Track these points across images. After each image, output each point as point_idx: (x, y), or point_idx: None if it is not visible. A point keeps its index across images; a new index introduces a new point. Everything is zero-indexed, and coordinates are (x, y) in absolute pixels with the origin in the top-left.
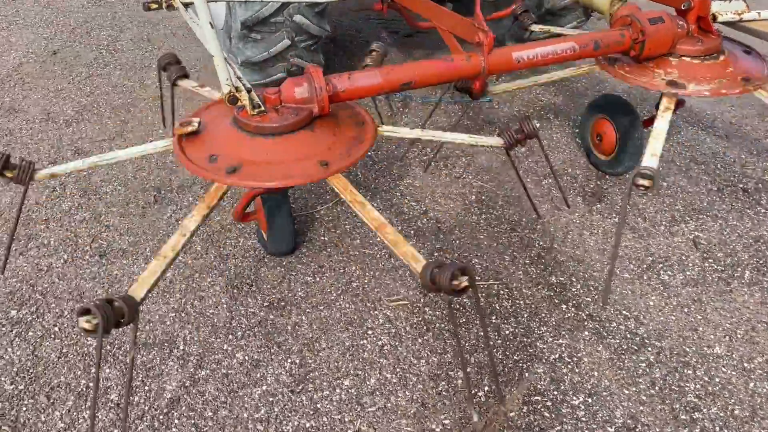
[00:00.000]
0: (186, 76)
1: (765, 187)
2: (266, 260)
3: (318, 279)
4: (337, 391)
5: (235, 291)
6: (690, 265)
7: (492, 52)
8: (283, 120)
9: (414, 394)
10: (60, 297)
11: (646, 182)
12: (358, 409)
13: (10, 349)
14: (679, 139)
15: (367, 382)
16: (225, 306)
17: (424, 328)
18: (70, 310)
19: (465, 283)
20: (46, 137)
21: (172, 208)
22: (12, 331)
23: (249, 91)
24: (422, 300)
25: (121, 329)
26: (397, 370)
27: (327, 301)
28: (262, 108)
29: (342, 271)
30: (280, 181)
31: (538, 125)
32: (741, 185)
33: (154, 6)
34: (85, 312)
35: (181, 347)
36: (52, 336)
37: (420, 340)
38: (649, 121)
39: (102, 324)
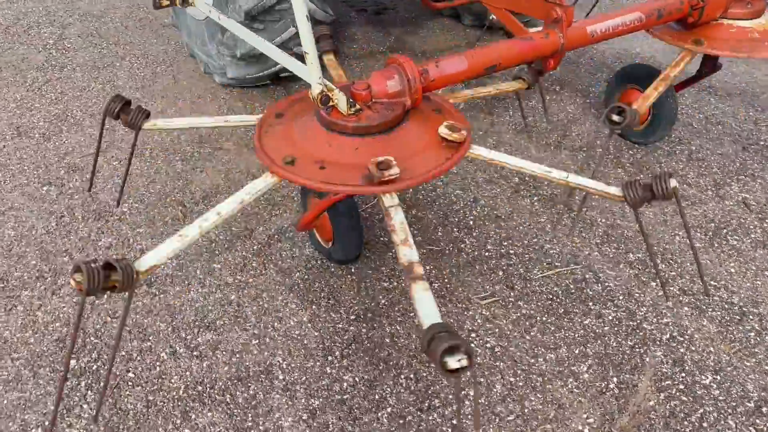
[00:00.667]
0: (148, 115)
1: None
2: (332, 269)
3: (395, 284)
4: (467, 403)
5: (314, 307)
6: (751, 227)
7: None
8: (382, 117)
9: (546, 396)
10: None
11: (617, 117)
12: (497, 420)
13: (86, 405)
14: (685, 101)
15: (494, 389)
16: (309, 325)
17: (527, 323)
18: (138, 351)
19: (456, 365)
20: (26, 155)
21: None
22: (81, 383)
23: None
24: (512, 294)
25: None
26: (518, 372)
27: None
28: (359, 107)
29: None
30: (393, 186)
31: (675, 185)
32: (763, 143)
33: (166, 3)
34: (78, 270)
35: (281, 376)
36: (129, 384)
37: (528, 337)
38: (681, 85)
39: (86, 285)
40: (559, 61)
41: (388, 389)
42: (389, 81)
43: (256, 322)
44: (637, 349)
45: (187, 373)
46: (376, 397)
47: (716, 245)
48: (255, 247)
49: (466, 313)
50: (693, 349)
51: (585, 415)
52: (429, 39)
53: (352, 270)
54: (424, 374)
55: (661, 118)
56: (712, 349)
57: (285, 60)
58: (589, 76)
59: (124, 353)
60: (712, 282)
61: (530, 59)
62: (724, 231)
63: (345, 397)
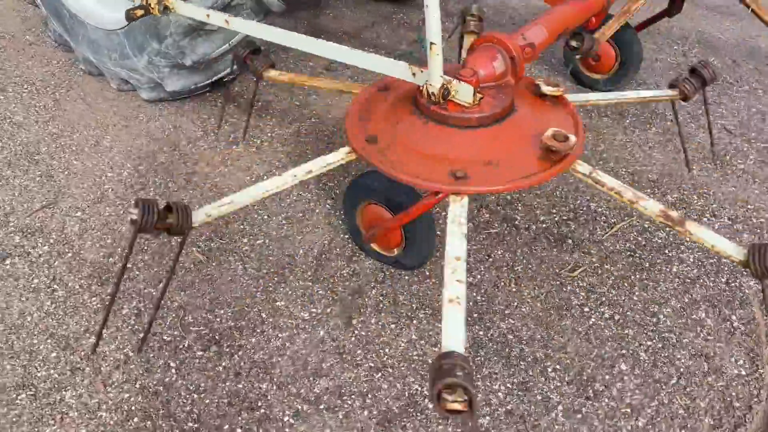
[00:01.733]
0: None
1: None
2: (406, 277)
3: (479, 277)
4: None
5: (414, 322)
6: (744, 148)
7: None
8: (499, 104)
9: (689, 350)
10: (188, 415)
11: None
12: (674, 379)
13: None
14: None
15: (640, 357)
16: (422, 342)
17: (626, 285)
18: (256, 423)
19: (455, 406)
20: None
21: (234, 257)
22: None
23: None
24: (593, 260)
25: None
26: (649, 335)
27: (522, 299)
28: (480, 95)
29: (490, 259)
30: (521, 182)
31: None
32: None
33: (140, 13)
34: (136, 205)
35: (430, 404)
36: None
37: (635, 298)
38: (642, 25)
39: (139, 221)
40: (601, 19)
41: (545, 390)
42: (495, 62)
43: (364, 353)
44: (732, 283)
45: (327, 430)
46: (534, 406)
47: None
48: (308, 273)
49: (564, 289)
50: None
51: (733, 359)
52: (342, 20)
53: (427, 272)
54: (598, 375)
55: (629, 62)
56: None
57: (371, 60)
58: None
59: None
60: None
61: (587, 17)
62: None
63: (500, 411)
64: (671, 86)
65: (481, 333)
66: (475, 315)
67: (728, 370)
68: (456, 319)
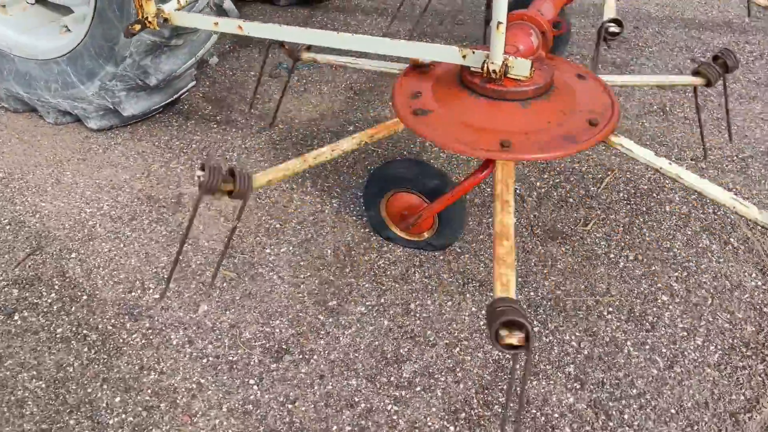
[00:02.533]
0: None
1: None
2: (442, 257)
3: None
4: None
5: (477, 296)
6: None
7: None
8: (547, 76)
9: (719, 276)
10: (289, 426)
11: (616, 28)
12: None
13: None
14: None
15: (699, 293)
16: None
17: (635, 230)
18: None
19: (514, 341)
20: None
21: (265, 268)
22: None
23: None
24: (598, 213)
25: None
26: (686, 270)
27: (553, 257)
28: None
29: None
30: (563, 150)
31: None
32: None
33: (138, 27)
34: (202, 168)
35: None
36: None
37: (648, 239)
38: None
39: (205, 183)
40: None
41: (607, 332)
42: (530, 36)
43: (435, 333)
44: (719, 212)
45: (433, 409)
46: (606, 347)
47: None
48: (347, 270)
49: (585, 242)
50: None
51: (746, 274)
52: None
53: (458, 249)
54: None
55: (560, 38)
56: None
57: (419, 48)
58: None
59: None
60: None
61: None
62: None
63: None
64: (695, 73)
65: (532, 294)
66: (520, 279)
67: (747, 284)
68: (505, 268)
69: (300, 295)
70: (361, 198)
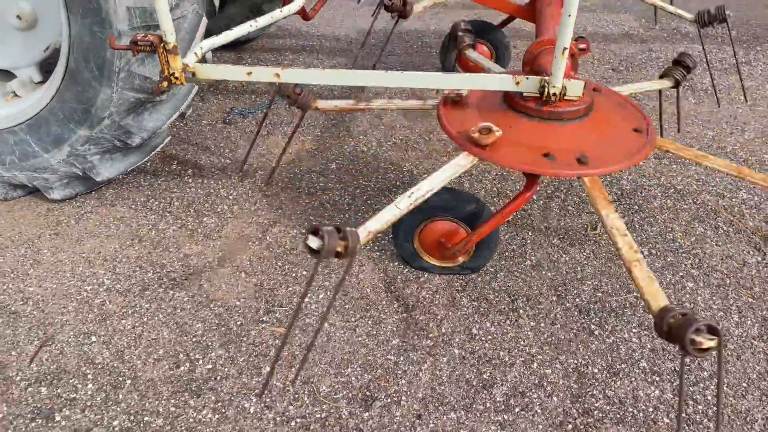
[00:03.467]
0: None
1: None
2: (480, 278)
3: (537, 253)
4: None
5: (530, 311)
6: None
7: None
8: (590, 96)
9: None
10: None
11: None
12: None
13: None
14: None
15: (712, 277)
16: (560, 320)
17: (642, 229)
18: None
19: (709, 344)
20: None
21: (312, 318)
22: None
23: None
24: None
25: None
26: (698, 261)
27: (580, 262)
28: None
29: (528, 240)
30: (626, 162)
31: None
32: None
33: (165, 84)
34: (314, 232)
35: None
36: None
37: (652, 232)
38: (503, 23)
39: (326, 248)
40: None
41: None
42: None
43: (507, 352)
44: (698, 201)
45: (539, 427)
46: None
47: None
48: (394, 307)
49: (600, 243)
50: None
51: (747, 252)
52: None
53: (492, 269)
54: None
55: (503, 57)
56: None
57: (470, 79)
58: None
59: None
60: None
61: None
62: None
63: None
64: (662, 76)
65: (578, 300)
66: (560, 288)
67: (750, 260)
68: (647, 277)
69: (360, 339)
70: (387, 232)
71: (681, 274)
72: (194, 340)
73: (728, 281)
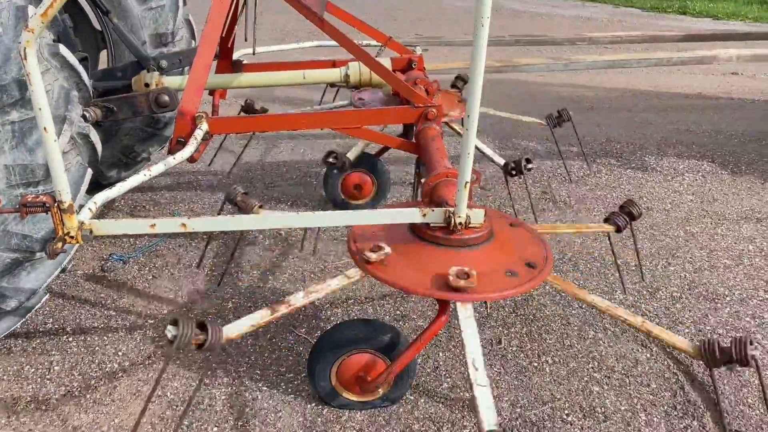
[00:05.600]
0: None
1: None
2: (414, 410)
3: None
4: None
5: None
6: None
7: None
8: (489, 223)
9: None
10: None
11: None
12: None
13: None
14: None
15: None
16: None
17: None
18: None
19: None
20: None
21: None
22: None
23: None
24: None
25: None
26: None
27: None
28: None
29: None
30: (526, 286)
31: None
32: None
33: (60, 245)
34: (174, 323)
35: None
36: None
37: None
38: (380, 153)
39: (179, 338)
40: None
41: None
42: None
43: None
44: (583, 306)
45: None
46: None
47: None
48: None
49: (507, 358)
50: None
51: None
52: None
53: (420, 389)
54: None
55: (382, 186)
56: None
57: (379, 215)
58: None
59: None
60: None
61: None
62: None
63: None
64: (606, 220)
65: (499, 418)
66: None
67: (641, 357)
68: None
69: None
70: (302, 371)
71: (586, 379)
72: None
73: (628, 380)
